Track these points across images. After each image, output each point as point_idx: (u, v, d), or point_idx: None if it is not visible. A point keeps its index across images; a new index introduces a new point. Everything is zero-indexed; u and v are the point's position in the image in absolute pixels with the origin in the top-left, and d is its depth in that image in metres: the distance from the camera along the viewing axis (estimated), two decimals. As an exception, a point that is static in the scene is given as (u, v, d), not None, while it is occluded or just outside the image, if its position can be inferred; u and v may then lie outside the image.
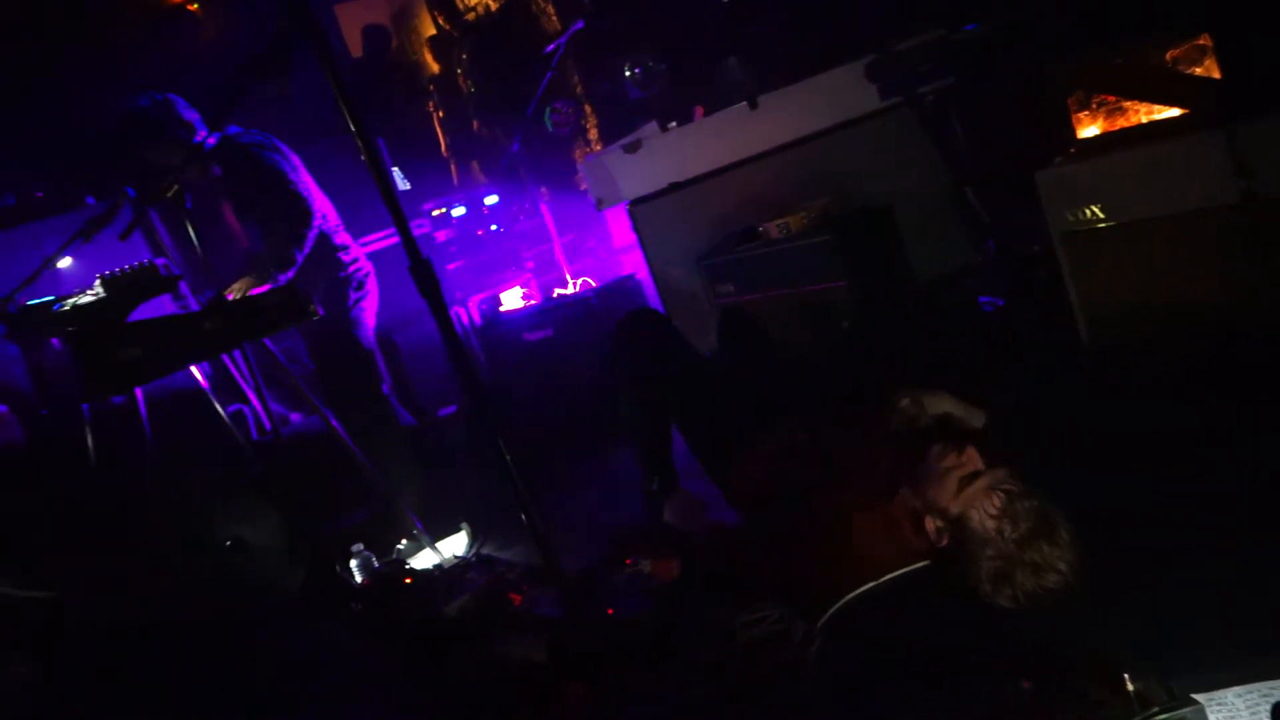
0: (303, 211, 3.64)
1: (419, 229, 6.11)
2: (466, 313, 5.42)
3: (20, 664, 2.24)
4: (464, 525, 3.57)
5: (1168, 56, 2.76)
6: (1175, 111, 2.79)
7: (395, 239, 5.68)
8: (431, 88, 8.82)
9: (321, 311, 3.09)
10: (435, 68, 8.83)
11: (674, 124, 4.38)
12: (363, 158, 2.02)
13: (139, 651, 2.48)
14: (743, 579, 2.45)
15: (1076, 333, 3.18)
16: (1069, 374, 3.12)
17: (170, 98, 3.60)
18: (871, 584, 2.20)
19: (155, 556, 2.79)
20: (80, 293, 2.91)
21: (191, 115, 3.66)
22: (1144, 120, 2.88)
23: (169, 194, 2.69)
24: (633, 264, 5.93)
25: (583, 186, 7.38)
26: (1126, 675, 1.59)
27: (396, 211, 1.98)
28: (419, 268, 1.85)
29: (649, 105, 6.16)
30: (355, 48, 8.80)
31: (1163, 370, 2.85)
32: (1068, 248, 3.06)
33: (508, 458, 2.19)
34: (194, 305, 3.78)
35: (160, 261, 3.89)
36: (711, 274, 4.00)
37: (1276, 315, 2.65)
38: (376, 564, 3.21)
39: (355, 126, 2.03)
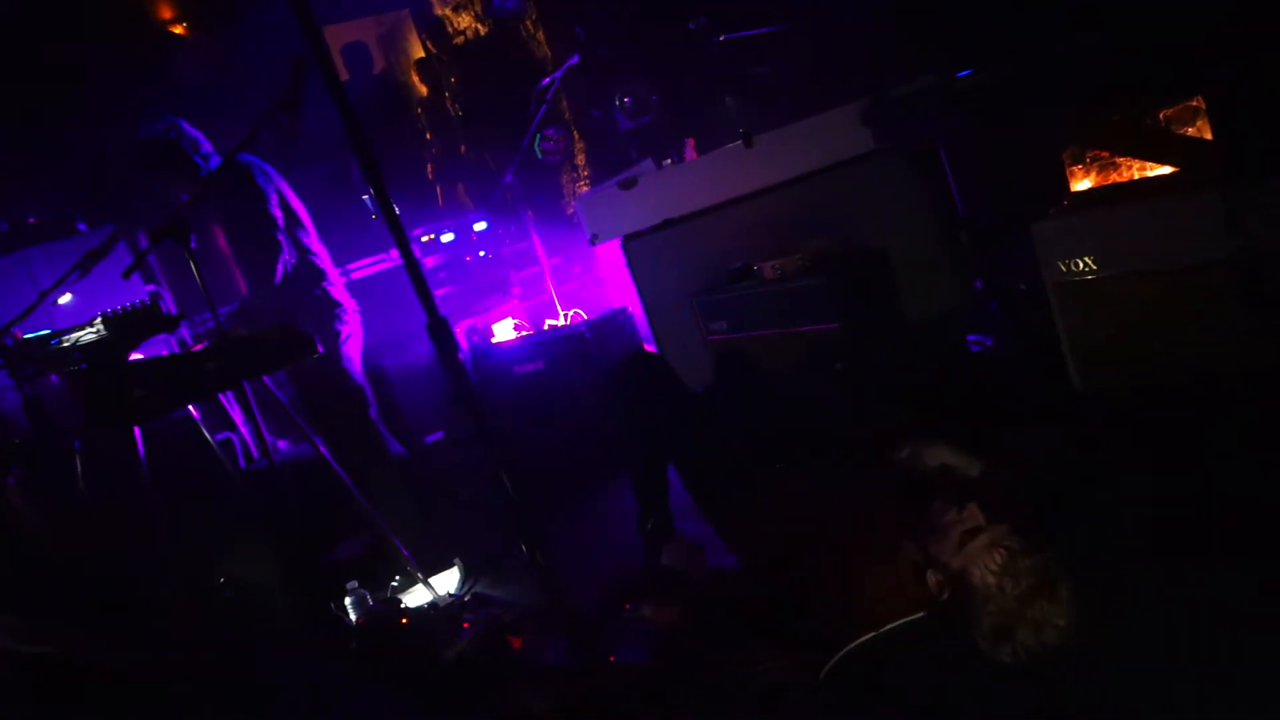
0: (274, 243, 3.68)
1: (408, 255, 6.12)
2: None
3: None
4: (457, 561, 3.57)
5: (1161, 116, 2.83)
6: (1167, 169, 2.86)
7: (383, 264, 5.75)
8: (419, 110, 8.83)
9: (321, 349, 3.10)
10: (423, 90, 8.85)
11: (669, 161, 4.42)
12: (365, 195, 2.03)
13: (138, 700, 2.44)
14: (743, 625, 2.48)
15: (1067, 375, 3.25)
16: (1062, 418, 3.17)
17: (181, 125, 3.62)
18: (872, 634, 2.24)
19: (156, 598, 2.76)
20: (81, 329, 2.90)
21: (200, 141, 3.68)
22: (1136, 177, 2.95)
23: (177, 234, 2.68)
24: (620, 292, 5.97)
25: (570, 211, 7.42)
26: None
27: (412, 262, 1.99)
28: (437, 326, 1.86)
29: (639, 134, 6.21)
30: (341, 70, 8.81)
31: (1154, 419, 2.91)
32: (1060, 297, 3.13)
33: (514, 494, 2.18)
34: (187, 335, 3.77)
35: (151, 288, 3.88)
36: (705, 311, 4.03)
37: (1266, 369, 2.71)
38: (371, 602, 3.20)
39: (365, 163, 2.03)
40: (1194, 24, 2.84)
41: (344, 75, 8.79)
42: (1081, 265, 3.02)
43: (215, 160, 3.71)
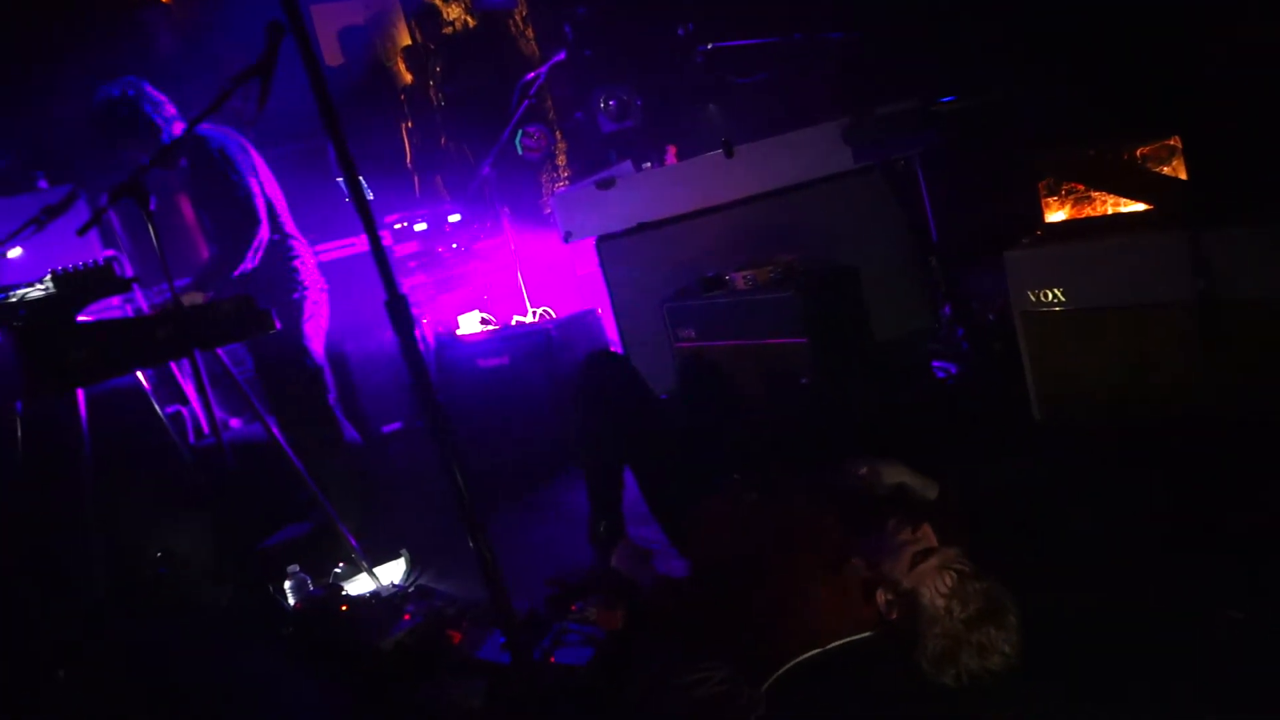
0: (252, 218, 3.55)
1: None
2: (421, 331, 5.35)
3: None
4: (403, 552, 3.50)
5: (1138, 153, 2.84)
6: (1140, 206, 2.87)
7: (352, 249, 5.66)
8: (402, 98, 8.75)
9: (280, 325, 3.03)
10: (407, 78, 8.76)
11: (648, 164, 4.39)
12: (339, 178, 1.98)
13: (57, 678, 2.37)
14: (688, 633, 2.43)
15: (1028, 406, 3.26)
16: (1020, 448, 3.17)
17: (142, 86, 3.51)
18: (817, 650, 2.21)
19: (83, 568, 2.67)
20: (29, 286, 2.81)
21: (162, 104, 3.57)
22: (1110, 212, 2.96)
23: (135, 194, 2.61)
24: (592, 292, 5.93)
25: (547, 211, 7.37)
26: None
27: (375, 241, 1.93)
28: (395, 303, 1.81)
29: (621, 138, 6.19)
30: (329, 52, 8.70)
31: (1109, 452, 2.91)
32: (1027, 326, 3.13)
33: (462, 486, 2.11)
34: (143, 303, 3.67)
35: (110, 253, 3.78)
36: (674, 317, 4.00)
37: (1224, 409, 2.73)
38: (312, 587, 3.13)
39: (337, 142, 1.97)
40: (1175, 65, 2.86)
41: (339, 59, 8.70)
42: (1050, 296, 3.03)
43: (179, 126, 3.59)
